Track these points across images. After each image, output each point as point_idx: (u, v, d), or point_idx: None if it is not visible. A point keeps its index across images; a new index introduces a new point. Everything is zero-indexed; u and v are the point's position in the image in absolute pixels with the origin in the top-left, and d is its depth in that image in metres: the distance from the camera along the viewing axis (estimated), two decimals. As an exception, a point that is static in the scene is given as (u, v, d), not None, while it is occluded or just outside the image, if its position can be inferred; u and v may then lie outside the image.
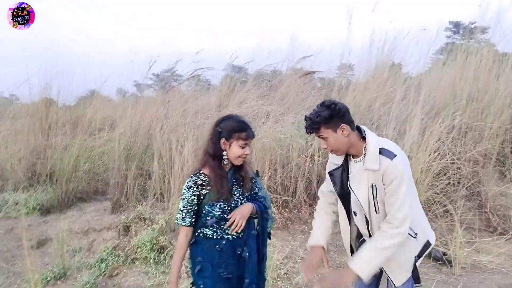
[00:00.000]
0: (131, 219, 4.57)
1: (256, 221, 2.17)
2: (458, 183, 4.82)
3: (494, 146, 5.13)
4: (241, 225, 2.03)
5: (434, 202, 4.52)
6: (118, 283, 3.84)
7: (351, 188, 2.13)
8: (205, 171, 2.09)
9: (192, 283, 2.16)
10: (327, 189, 2.35)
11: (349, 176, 2.15)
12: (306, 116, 2.09)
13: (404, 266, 2.11)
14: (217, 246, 2.06)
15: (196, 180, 2.07)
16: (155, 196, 4.92)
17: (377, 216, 2.08)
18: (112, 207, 5.23)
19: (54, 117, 7.57)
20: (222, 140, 2.05)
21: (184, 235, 2.09)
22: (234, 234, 2.07)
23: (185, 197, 2.06)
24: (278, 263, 3.78)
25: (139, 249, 4.14)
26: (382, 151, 1.99)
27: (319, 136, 2.08)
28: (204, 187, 2.07)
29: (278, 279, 3.62)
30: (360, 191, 2.08)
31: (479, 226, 4.52)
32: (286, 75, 7.10)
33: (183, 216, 2.06)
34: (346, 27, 5.76)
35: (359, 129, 2.10)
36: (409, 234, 2.04)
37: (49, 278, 3.94)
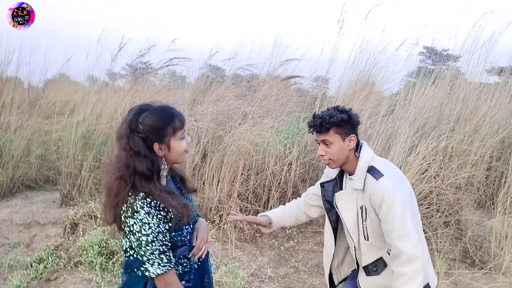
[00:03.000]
0: (80, 216, 4.06)
1: None
2: (438, 209, 4.58)
3: (477, 173, 4.94)
4: (205, 249, 1.58)
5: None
6: (55, 290, 3.31)
7: (337, 207, 1.93)
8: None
9: None
10: (312, 191, 2.25)
11: (336, 194, 1.96)
12: (315, 114, 1.89)
13: None
14: (186, 279, 1.53)
15: (157, 205, 1.41)
16: (111, 193, 4.40)
17: (366, 243, 1.87)
18: (62, 200, 4.69)
19: (10, 94, 6.94)
20: (156, 146, 1.45)
21: (178, 280, 1.46)
22: (198, 261, 1.58)
23: (158, 231, 1.39)
24: (243, 282, 3.36)
25: (85, 251, 3.63)
26: (370, 169, 1.81)
27: (322, 140, 1.87)
28: (164, 209, 1.43)
29: (241, 301, 3.20)
30: (347, 213, 1.90)
31: (457, 257, 4.27)
32: (268, 77, 6.74)
33: (168, 256, 1.42)
34: (337, 32, 5.45)
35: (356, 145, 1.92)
36: None
37: (-29, 277, 3.38)
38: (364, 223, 1.85)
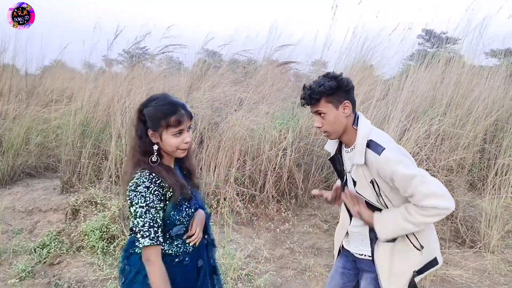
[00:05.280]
0: (81, 202, 4.14)
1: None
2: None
3: (468, 156, 5.04)
4: (200, 237, 1.68)
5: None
6: (59, 274, 3.43)
7: (357, 191, 1.89)
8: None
9: None
10: None
11: (349, 173, 1.92)
12: (305, 85, 1.81)
13: (399, 278, 1.85)
14: (179, 260, 1.64)
15: (158, 181, 1.54)
16: (110, 179, 4.49)
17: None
18: (62, 187, 4.76)
19: (8, 83, 6.96)
20: (150, 132, 1.58)
21: (160, 257, 1.54)
22: (192, 246, 1.68)
23: (151, 206, 1.50)
24: (239, 262, 3.48)
25: (86, 236, 3.73)
26: (369, 144, 1.76)
27: (315, 112, 1.80)
28: (166, 187, 1.55)
29: (238, 281, 3.33)
30: (365, 190, 1.84)
31: (449, 237, 4.40)
32: (263, 63, 6.77)
33: (155, 231, 1.51)
34: (330, 18, 5.47)
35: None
36: (412, 243, 1.81)
37: (-23, 263, 3.49)
38: (379, 194, 1.80)
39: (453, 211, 4.53)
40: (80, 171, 4.74)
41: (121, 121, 4.59)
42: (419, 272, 1.84)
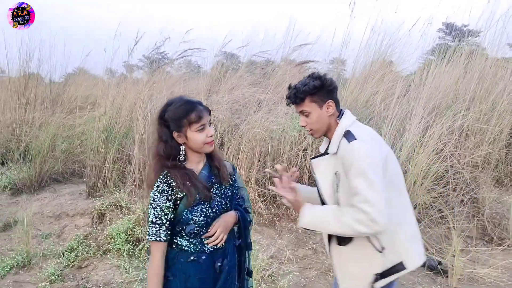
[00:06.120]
0: (106, 206, 4.24)
1: (236, 228, 1.83)
2: (455, 188, 4.59)
3: (494, 151, 4.92)
4: (222, 239, 1.69)
5: (431, 206, 4.28)
6: (87, 277, 3.51)
7: (314, 174, 1.88)
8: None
9: None
10: None
11: (312, 161, 1.91)
12: (290, 85, 1.85)
13: (357, 281, 1.79)
14: (194, 258, 1.69)
15: (169, 182, 1.64)
16: (134, 183, 4.58)
17: None
18: (88, 192, 4.88)
19: (33, 91, 7.18)
20: (175, 134, 1.67)
21: (160, 254, 1.65)
22: (212, 247, 1.71)
23: (157, 204, 1.63)
24: (263, 263, 3.49)
25: (112, 239, 3.81)
26: (346, 134, 1.75)
27: (300, 112, 1.83)
28: (180, 189, 1.64)
29: (261, 282, 3.34)
30: (323, 179, 1.84)
31: (475, 235, 4.31)
32: (281, 63, 6.77)
33: (157, 229, 1.63)
34: (348, 15, 5.43)
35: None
36: (372, 243, 1.73)
37: (10, 266, 3.60)
38: (338, 189, 1.77)
39: (480, 208, 4.48)
40: (105, 175, 4.84)
41: (143, 126, 4.67)
42: (382, 276, 1.75)
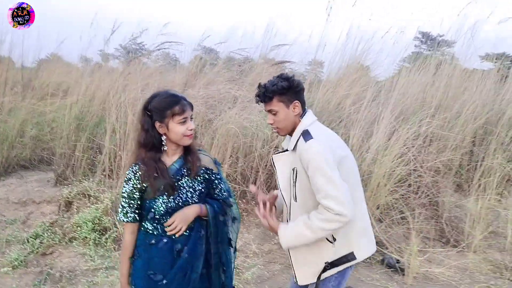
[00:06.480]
0: (74, 195, 4.22)
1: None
2: (417, 191, 4.79)
3: (455, 157, 5.14)
4: (179, 230, 1.76)
5: (393, 207, 4.46)
6: (51, 263, 3.50)
7: (275, 167, 1.99)
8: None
9: None
10: None
11: (273, 156, 2.03)
12: (260, 84, 1.94)
13: (310, 268, 1.90)
14: (157, 241, 1.79)
15: (136, 171, 1.78)
16: (104, 173, 4.57)
17: (295, 204, 1.90)
18: (56, 179, 4.84)
19: (4, 75, 6.99)
20: (157, 124, 1.76)
21: (129, 232, 1.84)
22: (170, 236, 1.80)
23: (125, 190, 1.80)
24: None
25: (79, 228, 3.81)
26: (304, 133, 1.86)
27: (269, 111, 1.93)
28: (146, 179, 1.77)
29: (226, 274, 3.41)
30: (281, 173, 1.96)
31: (433, 236, 4.51)
32: (259, 61, 6.84)
33: (125, 211, 1.80)
34: (325, 19, 5.56)
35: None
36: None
37: (-29, 251, 3.55)
38: (294, 184, 1.86)
39: (439, 211, 4.68)
40: (74, 164, 4.81)
41: (116, 116, 4.66)
42: (333, 264, 1.86)
